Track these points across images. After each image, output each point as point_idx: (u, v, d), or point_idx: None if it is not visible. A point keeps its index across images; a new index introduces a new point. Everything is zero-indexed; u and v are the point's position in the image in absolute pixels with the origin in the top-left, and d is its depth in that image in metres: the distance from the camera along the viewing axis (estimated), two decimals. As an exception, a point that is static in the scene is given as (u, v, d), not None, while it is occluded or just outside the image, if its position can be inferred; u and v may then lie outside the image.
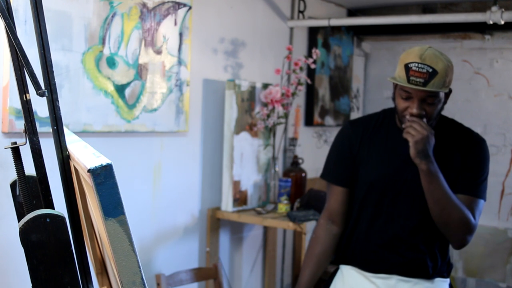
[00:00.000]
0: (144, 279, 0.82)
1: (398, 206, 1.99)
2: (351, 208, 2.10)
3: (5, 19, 0.96)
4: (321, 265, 2.12)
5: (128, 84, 2.50)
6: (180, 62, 2.74)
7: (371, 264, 2.03)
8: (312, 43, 3.75)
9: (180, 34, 2.73)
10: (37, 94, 0.97)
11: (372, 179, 2.02)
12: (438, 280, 2.03)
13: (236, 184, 3.01)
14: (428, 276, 2.00)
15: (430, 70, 1.84)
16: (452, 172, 1.97)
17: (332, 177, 2.12)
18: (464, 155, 1.99)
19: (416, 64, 1.85)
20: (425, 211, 1.96)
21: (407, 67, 1.87)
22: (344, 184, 2.09)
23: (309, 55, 3.46)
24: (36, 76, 0.97)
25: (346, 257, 2.10)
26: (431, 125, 1.95)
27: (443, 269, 2.04)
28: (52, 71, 0.99)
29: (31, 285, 0.92)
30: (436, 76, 1.84)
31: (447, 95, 1.96)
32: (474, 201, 1.96)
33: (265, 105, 3.12)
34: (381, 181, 2.00)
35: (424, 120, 1.90)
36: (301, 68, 3.20)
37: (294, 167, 3.26)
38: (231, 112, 2.96)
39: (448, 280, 2.07)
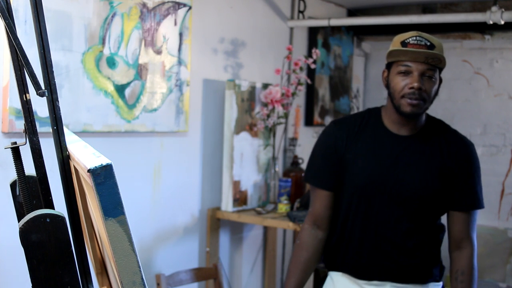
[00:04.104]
0: (144, 279, 0.82)
1: (388, 210, 1.92)
2: (336, 212, 2.02)
3: (5, 19, 0.96)
4: (307, 271, 2.03)
5: (128, 84, 2.50)
6: (180, 62, 2.74)
7: (363, 271, 1.96)
8: (312, 43, 3.75)
9: (180, 34, 2.73)
10: (37, 94, 0.97)
11: (361, 182, 1.93)
12: (431, 284, 1.99)
13: (236, 184, 3.01)
14: (422, 281, 1.96)
15: (428, 43, 1.82)
16: (433, 170, 1.92)
17: (316, 181, 2.00)
18: (451, 159, 1.93)
19: (414, 38, 1.82)
20: (416, 214, 1.91)
21: (404, 43, 1.83)
22: (329, 188, 1.99)
23: (309, 55, 3.45)
24: (36, 76, 0.97)
25: (336, 263, 2.02)
26: (426, 108, 1.89)
27: (436, 273, 2.00)
28: (52, 71, 0.99)
29: (31, 285, 0.92)
30: (434, 49, 1.82)
31: (438, 84, 1.91)
32: (474, 214, 1.96)
33: (265, 105, 3.12)
34: (370, 185, 1.92)
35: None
36: (301, 68, 3.20)
37: (294, 167, 3.26)
38: (231, 112, 2.96)
39: (441, 283, 2.03)
